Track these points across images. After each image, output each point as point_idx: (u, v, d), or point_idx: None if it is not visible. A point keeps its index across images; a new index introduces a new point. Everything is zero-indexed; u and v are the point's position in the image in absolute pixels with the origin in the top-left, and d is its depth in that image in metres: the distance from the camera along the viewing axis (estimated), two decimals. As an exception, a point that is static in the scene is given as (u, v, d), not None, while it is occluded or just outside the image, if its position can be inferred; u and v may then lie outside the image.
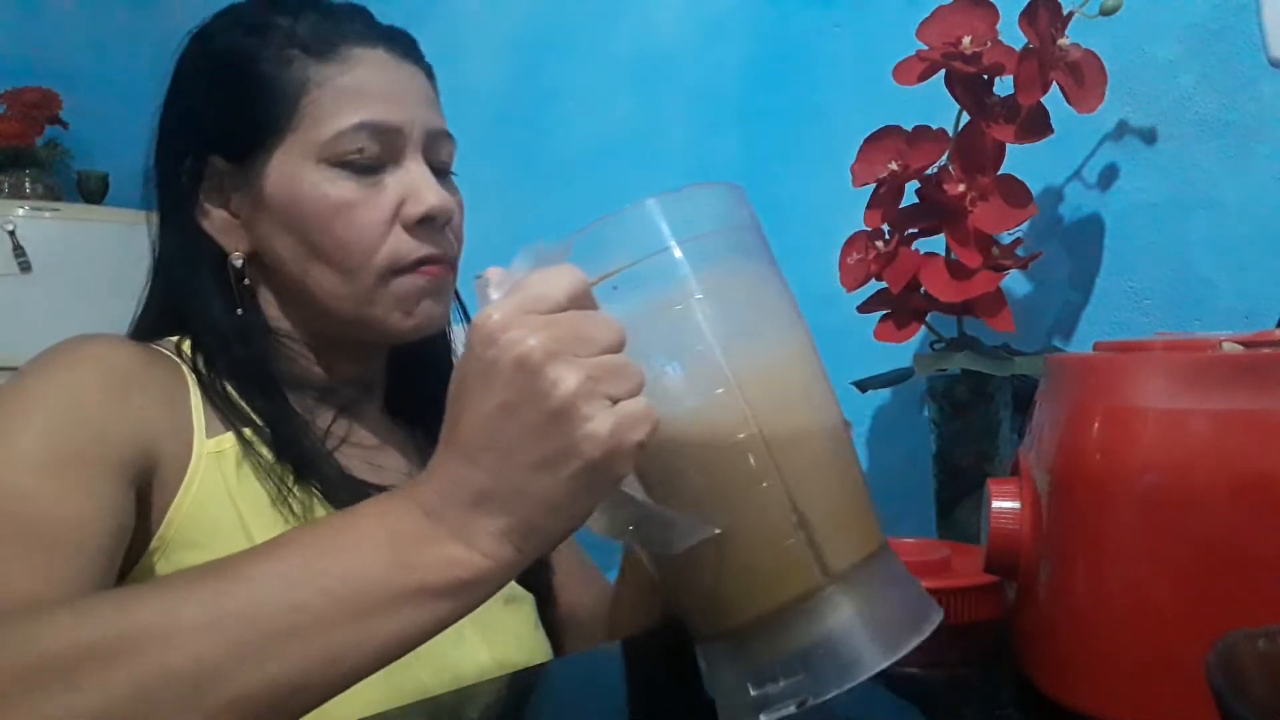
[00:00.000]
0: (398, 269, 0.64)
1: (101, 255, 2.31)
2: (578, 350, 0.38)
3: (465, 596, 0.39)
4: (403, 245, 0.64)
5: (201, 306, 0.65)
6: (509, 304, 0.38)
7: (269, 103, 0.63)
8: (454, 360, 0.75)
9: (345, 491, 0.62)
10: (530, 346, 0.37)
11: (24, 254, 2.14)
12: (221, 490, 0.59)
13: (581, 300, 0.39)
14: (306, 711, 0.39)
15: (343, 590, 0.38)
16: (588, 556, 0.84)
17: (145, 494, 0.57)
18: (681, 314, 0.41)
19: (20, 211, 2.17)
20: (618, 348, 0.39)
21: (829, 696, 0.39)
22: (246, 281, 0.66)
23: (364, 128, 0.63)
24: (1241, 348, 0.44)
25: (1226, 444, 0.42)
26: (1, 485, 0.51)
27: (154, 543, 0.57)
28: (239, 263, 0.66)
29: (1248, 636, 0.32)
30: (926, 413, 0.84)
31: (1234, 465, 0.41)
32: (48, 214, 2.21)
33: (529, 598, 0.73)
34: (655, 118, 1.28)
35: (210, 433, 0.61)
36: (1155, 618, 0.43)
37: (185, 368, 0.63)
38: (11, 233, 2.13)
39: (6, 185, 2.32)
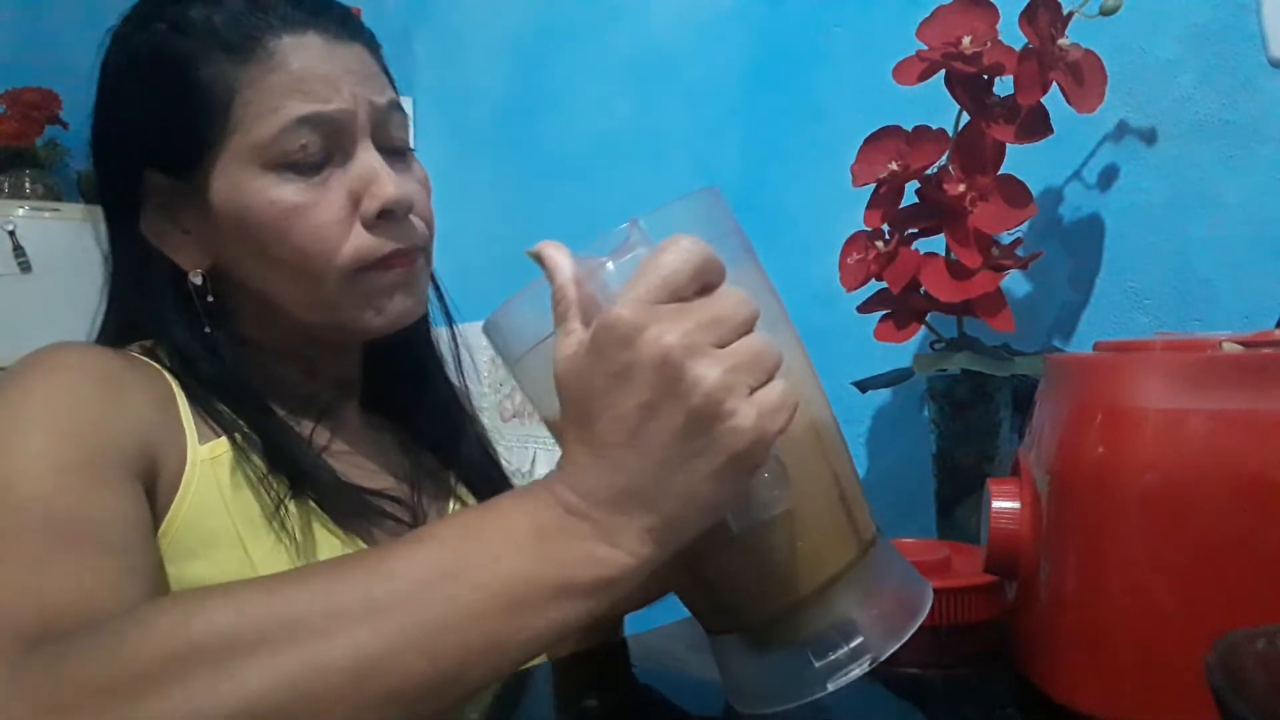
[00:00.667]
0: (363, 267, 0.60)
1: (101, 255, 2.31)
2: (715, 338, 0.37)
3: (609, 594, 0.39)
4: (365, 243, 0.60)
5: (163, 328, 0.62)
6: (638, 294, 0.37)
7: (198, 112, 0.58)
8: (432, 348, 0.74)
9: (344, 500, 0.61)
10: (668, 345, 0.36)
11: (24, 254, 2.14)
12: (217, 499, 0.57)
13: (708, 273, 0.38)
14: (456, 704, 0.38)
15: (494, 584, 0.38)
16: None
17: (150, 497, 0.55)
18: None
19: (20, 211, 2.17)
20: (752, 324, 0.39)
21: (892, 651, 0.42)
22: (211, 298, 0.62)
23: (305, 122, 0.58)
24: (1241, 348, 0.44)
25: (1226, 444, 0.42)
26: (26, 493, 0.48)
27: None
28: (199, 280, 0.62)
29: (1248, 636, 0.32)
30: (926, 413, 0.84)
31: (1234, 465, 0.41)
32: (48, 214, 2.22)
33: None
34: (655, 118, 1.28)
35: (202, 438, 0.58)
36: (1155, 618, 0.43)
37: (167, 374, 0.60)
38: (11, 233, 2.13)
39: (6, 185, 2.32)
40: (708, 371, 0.36)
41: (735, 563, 0.44)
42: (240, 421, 0.60)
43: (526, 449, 1.46)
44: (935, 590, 0.58)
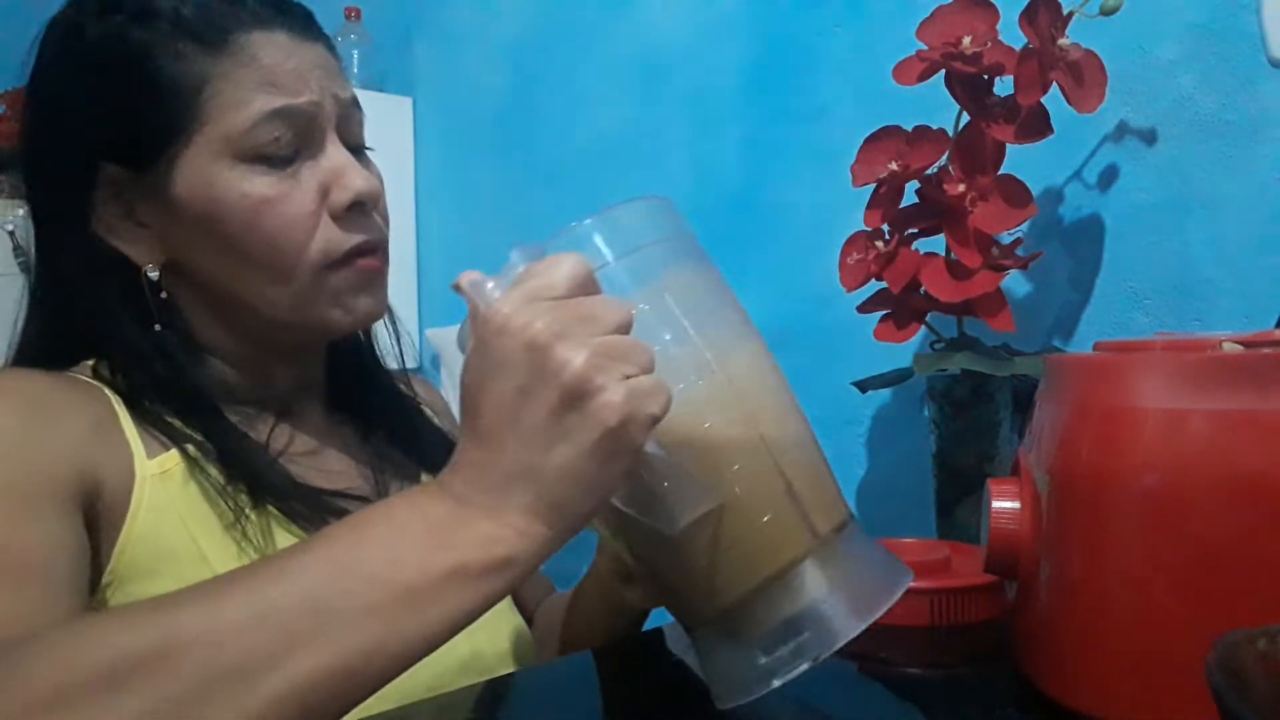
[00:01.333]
0: (331, 263, 0.60)
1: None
2: (585, 330, 0.39)
3: (505, 574, 0.40)
4: (334, 236, 0.60)
5: (113, 326, 0.60)
6: (515, 294, 0.40)
7: (166, 104, 0.58)
8: (370, 339, 0.74)
9: (302, 503, 0.60)
10: (538, 330, 0.39)
11: (24, 254, 2.13)
12: (172, 514, 0.56)
13: (585, 285, 0.41)
14: (361, 700, 0.39)
15: (387, 574, 0.38)
16: None
17: (93, 525, 0.53)
18: (650, 309, 0.44)
19: (20, 211, 2.17)
20: (625, 327, 0.41)
21: (838, 647, 0.42)
22: (164, 294, 0.61)
23: (277, 115, 0.58)
24: (1241, 348, 0.44)
25: (1226, 444, 0.42)
26: None
27: (106, 576, 0.54)
28: (155, 275, 0.61)
29: (1248, 636, 0.32)
30: (926, 413, 0.84)
31: (1234, 465, 0.41)
32: (48, 214, 2.22)
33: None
34: (655, 118, 1.28)
35: (150, 453, 0.57)
36: (1155, 618, 0.43)
37: (107, 390, 0.58)
38: (11, 233, 2.13)
39: (6, 185, 2.32)
40: (575, 354, 0.38)
41: (679, 561, 0.45)
42: (190, 432, 0.59)
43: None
44: (935, 590, 0.58)
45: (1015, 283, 0.90)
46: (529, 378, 0.39)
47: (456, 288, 0.44)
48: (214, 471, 0.58)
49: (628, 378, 0.39)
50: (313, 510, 0.60)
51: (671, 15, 1.26)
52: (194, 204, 0.59)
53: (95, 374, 0.60)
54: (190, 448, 0.58)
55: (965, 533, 0.78)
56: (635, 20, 1.30)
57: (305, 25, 0.62)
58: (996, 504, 0.51)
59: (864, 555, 0.47)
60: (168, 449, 0.58)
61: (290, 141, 0.59)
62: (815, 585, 0.44)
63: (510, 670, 0.64)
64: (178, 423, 0.59)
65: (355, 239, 0.61)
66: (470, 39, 1.55)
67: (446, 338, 1.50)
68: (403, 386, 0.77)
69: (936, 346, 0.83)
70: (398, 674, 0.39)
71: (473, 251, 1.51)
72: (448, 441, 0.75)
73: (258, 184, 0.58)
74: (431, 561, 0.39)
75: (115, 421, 0.57)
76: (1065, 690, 0.46)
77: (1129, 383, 0.45)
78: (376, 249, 0.63)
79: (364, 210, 0.62)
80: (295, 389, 0.67)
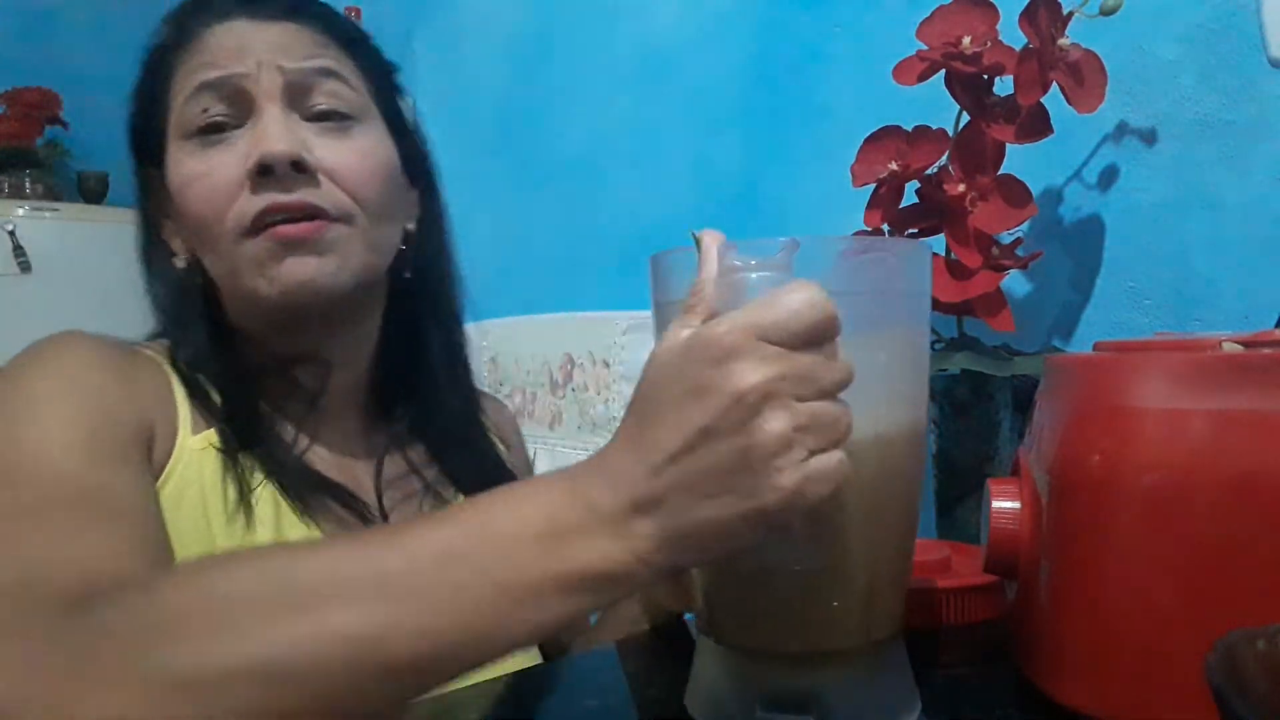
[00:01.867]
0: (244, 231, 0.59)
1: (101, 255, 2.31)
2: (799, 391, 0.37)
3: (609, 592, 0.39)
4: (247, 204, 0.59)
5: (172, 315, 0.66)
6: (744, 324, 0.38)
7: (154, 102, 0.63)
8: (457, 345, 0.74)
9: (306, 490, 0.62)
10: (751, 384, 0.37)
11: (24, 254, 2.14)
12: (195, 490, 0.59)
13: (822, 335, 0.38)
14: (447, 683, 0.40)
15: (499, 572, 0.38)
16: None
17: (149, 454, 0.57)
18: (864, 356, 0.41)
19: (20, 211, 2.17)
20: (839, 390, 0.39)
21: None
22: (199, 281, 0.65)
23: (205, 87, 0.60)
24: (1241, 348, 0.44)
25: (1226, 444, 0.42)
26: (48, 471, 0.50)
27: None
28: (182, 264, 0.65)
29: (1248, 636, 0.32)
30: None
31: (1234, 465, 0.41)
32: (48, 214, 2.22)
33: None
34: (655, 118, 1.28)
35: (195, 429, 0.60)
36: (1155, 618, 0.43)
37: (166, 365, 0.63)
38: (11, 233, 2.13)
39: (6, 185, 2.32)
40: (776, 422, 0.37)
41: (743, 587, 0.45)
42: (228, 413, 0.62)
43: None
44: (935, 590, 0.58)
45: (1015, 283, 0.90)
46: (720, 423, 0.37)
47: (696, 239, 0.41)
48: (238, 456, 0.60)
49: (813, 453, 0.37)
50: (313, 496, 0.61)
51: (672, 15, 1.26)
52: (171, 190, 0.62)
53: (162, 352, 0.64)
54: (223, 427, 0.61)
55: (965, 533, 0.78)
56: (635, 20, 1.30)
57: (276, 11, 0.63)
58: (996, 504, 0.51)
59: (894, 672, 0.47)
60: (209, 427, 0.61)
61: (221, 113, 0.60)
62: (841, 680, 0.44)
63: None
64: (219, 403, 0.62)
65: (261, 203, 0.58)
66: (470, 38, 1.55)
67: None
68: (476, 414, 0.76)
69: (936, 346, 0.83)
70: (487, 664, 0.40)
71: (472, 251, 1.51)
72: (508, 474, 0.75)
73: (193, 159, 0.61)
74: (546, 569, 0.38)
75: (170, 393, 0.61)
76: (1065, 690, 0.46)
77: (1129, 383, 0.45)
78: (300, 212, 0.59)
79: (275, 174, 0.58)
80: (318, 381, 0.67)
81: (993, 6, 0.76)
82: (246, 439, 0.61)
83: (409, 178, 0.70)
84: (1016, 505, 0.50)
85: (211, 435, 0.61)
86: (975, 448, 0.79)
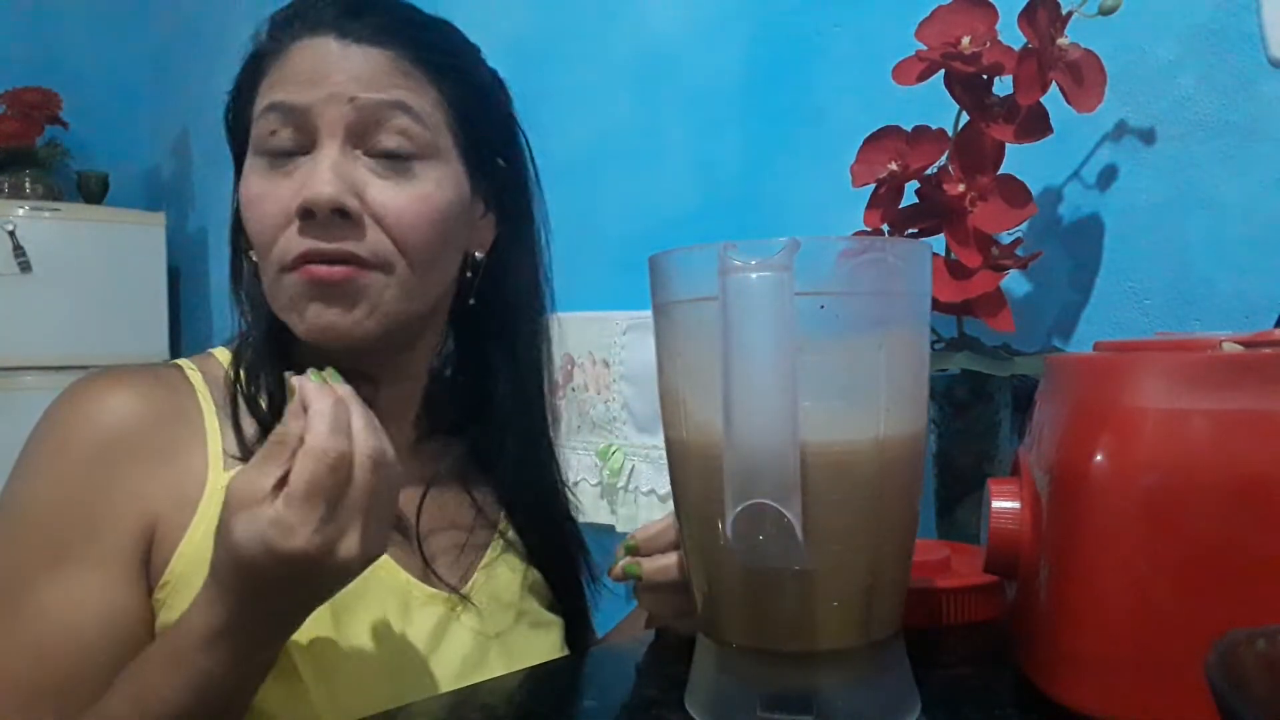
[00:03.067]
0: (283, 266, 0.60)
1: (101, 255, 2.32)
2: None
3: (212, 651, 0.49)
4: (291, 242, 0.59)
5: (251, 312, 0.67)
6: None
7: (243, 103, 0.65)
8: (528, 377, 0.72)
9: None
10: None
11: (24, 254, 2.14)
12: None
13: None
14: None
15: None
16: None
17: (152, 544, 0.59)
18: (865, 357, 0.43)
19: (20, 211, 2.17)
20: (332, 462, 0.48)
21: None
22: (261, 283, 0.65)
23: (272, 108, 0.60)
24: (1241, 348, 0.44)
25: (1226, 444, 0.42)
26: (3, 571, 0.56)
27: (165, 576, 0.58)
28: (255, 258, 0.65)
29: (1248, 636, 0.32)
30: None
31: (1234, 465, 0.41)
32: (48, 214, 2.22)
33: (558, 622, 0.73)
34: (655, 118, 1.28)
35: (229, 465, 0.60)
36: (1155, 618, 0.43)
37: (205, 392, 0.64)
38: (11, 233, 2.13)
39: (6, 185, 2.32)
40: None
41: (743, 587, 0.45)
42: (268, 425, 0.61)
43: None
44: (935, 590, 0.58)
45: (1015, 283, 0.90)
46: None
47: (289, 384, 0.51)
48: None
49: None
50: None
51: (671, 15, 1.26)
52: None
53: (207, 372, 0.66)
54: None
55: (965, 533, 0.78)
56: (635, 20, 1.30)
57: (365, 32, 0.61)
58: (996, 504, 0.51)
59: (893, 672, 0.47)
60: (244, 458, 0.60)
61: (289, 139, 0.60)
62: (841, 680, 0.45)
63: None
64: (257, 430, 0.62)
65: (301, 245, 0.59)
66: (470, 38, 1.55)
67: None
68: (545, 455, 0.75)
69: (936, 346, 0.83)
70: None
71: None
72: (568, 534, 0.75)
73: (257, 178, 0.62)
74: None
75: (199, 435, 0.62)
76: (1065, 690, 0.46)
77: (1129, 383, 0.45)
78: (335, 259, 0.59)
79: (315, 219, 0.58)
80: (382, 403, 0.64)
81: (992, 6, 0.76)
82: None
83: (485, 204, 0.69)
84: (1016, 505, 0.50)
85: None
86: (975, 448, 0.79)
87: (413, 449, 0.70)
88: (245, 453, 0.61)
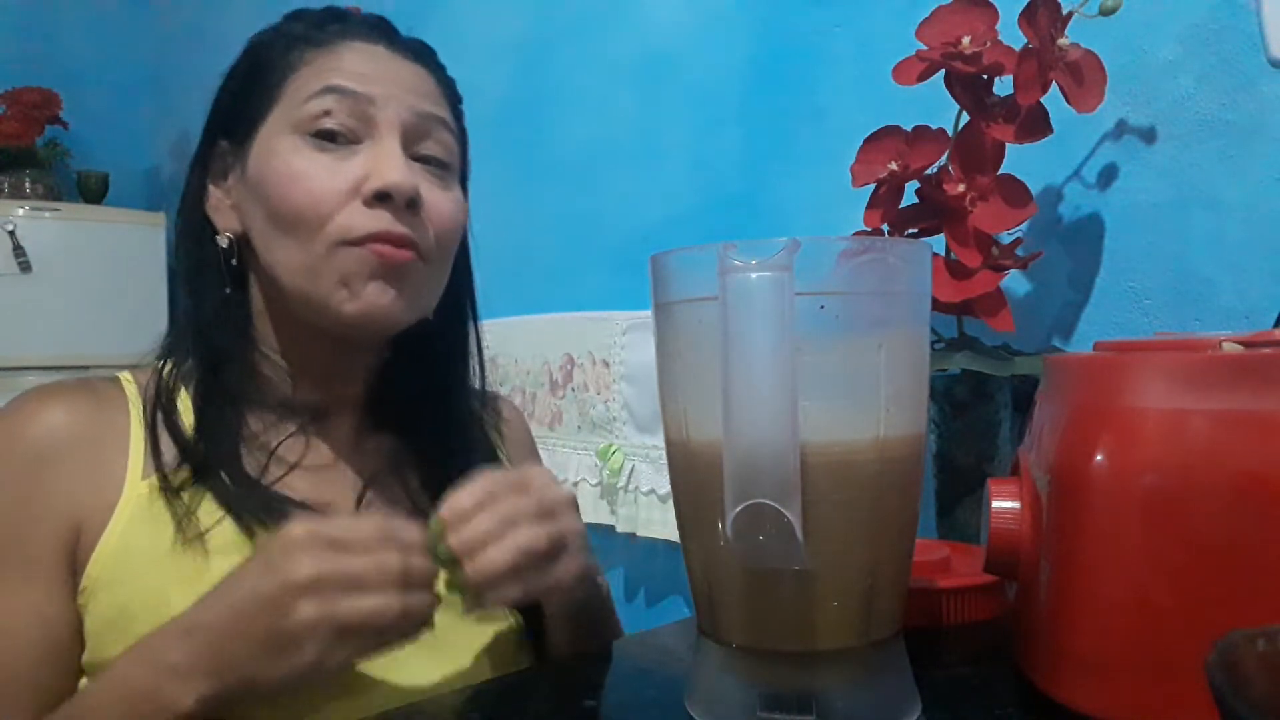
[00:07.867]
0: (345, 240, 0.61)
1: (101, 255, 2.32)
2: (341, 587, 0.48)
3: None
4: (356, 218, 0.61)
5: (201, 285, 0.67)
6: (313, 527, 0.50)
7: (262, 83, 0.65)
8: (454, 371, 0.74)
9: (273, 521, 0.60)
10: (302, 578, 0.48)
11: (24, 254, 2.14)
12: (146, 525, 0.59)
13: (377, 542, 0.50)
14: None
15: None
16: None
17: (76, 548, 0.59)
18: (865, 357, 0.43)
19: (20, 211, 2.18)
20: (383, 580, 0.49)
21: None
22: (234, 262, 0.66)
23: (331, 90, 0.62)
24: (1241, 348, 0.44)
25: (1226, 444, 0.42)
26: None
27: (83, 582, 0.58)
28: (225, 243, 0.66)
29: (1248, 636, 0.32)
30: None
31: (1234, 465, 0.41)
32: (48, 214, 2.22)
33: (512, 618, 0.69)
34: (655, 118, 1.28)
35: (147, 473, 0.61)
36: (1155, 618, 0.43)
37: (132, 405, 0.64)
38: (11, 233, 2.13)
39: (6, 185, 2.32)
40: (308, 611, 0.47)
41: (743, 587, 0.45)
42: (192, 443, 0.62)
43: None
44: (935, 590, 0.58)
45: (1015, 283, 0.90)
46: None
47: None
48: (179, 493, 0.60)
49: (342, 634, 0.48)
50: (254, 510, 0.61)
51: (672, 15, 1.26)
52: (255, 171, 0.63)
53: (137, 380, 0.66)
54: (173, 468, 0.61)
55: (965, 533, 0.78)
56: (636, 20, 1.30)
57: (411, 51, 0.67)
58: (996, 504, 0.51)
59: (894, 672, 0.47)
60: (176, 465, 0.61)
61: (342, 124, 0.62)
62: (841, 680, 0.45)
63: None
64: (188, 433, 0.63)
65: (375, 225, 0.61)
66: (470, 39, 1.55)
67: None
68: (479, 409, 0.76)
69: (936, 346, 0.83)
70: None
71: (474, 251, 1.51)
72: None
73: (305, 157, 0.62)
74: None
75: (122, 442, 0.62)
76: (1065, 690, 0.46)
77: (1129, 383, 0.45)
78: (402, 244, 0.62)
79: (394, 204, 0.61)
80: (323, 396, 0.69)
81: (992, 6, 0.76)
82: (205, 470, 0.61)
83: None
84: (1016, 505, 0.50)
85: (175, 476, 0.61)
86: (975, 448, 0.79)
87: (354, 445, 0.70)
88: (167, 458, 0.61)
